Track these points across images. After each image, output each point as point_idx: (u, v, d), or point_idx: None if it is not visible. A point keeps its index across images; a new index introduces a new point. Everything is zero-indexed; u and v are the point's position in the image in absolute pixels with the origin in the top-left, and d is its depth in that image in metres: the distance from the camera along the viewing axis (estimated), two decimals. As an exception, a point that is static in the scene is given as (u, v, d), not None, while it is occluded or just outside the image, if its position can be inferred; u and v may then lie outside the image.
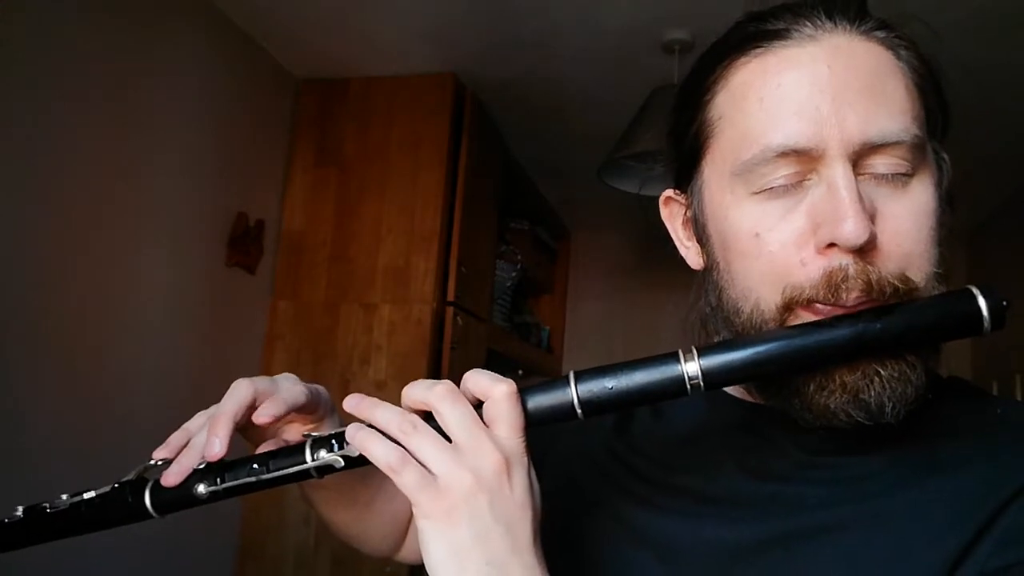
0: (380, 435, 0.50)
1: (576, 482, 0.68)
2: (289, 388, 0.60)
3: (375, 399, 0.53)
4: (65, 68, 1.58)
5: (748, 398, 0.63)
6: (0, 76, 1.45)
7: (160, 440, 0.58)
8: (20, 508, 0.57)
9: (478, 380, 0.52)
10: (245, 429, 0.60)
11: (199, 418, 0.60)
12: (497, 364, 2.97)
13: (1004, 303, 0.49)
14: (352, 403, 0.53)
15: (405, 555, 0.78)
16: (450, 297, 2.26)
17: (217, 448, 0.55)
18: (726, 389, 0.64)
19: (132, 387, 1.78)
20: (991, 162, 2.62)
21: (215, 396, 0.60)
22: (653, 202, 0.69)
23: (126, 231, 1.76)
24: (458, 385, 0.52)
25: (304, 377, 0.64)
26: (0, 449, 1.46)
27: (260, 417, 0.57)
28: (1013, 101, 2.26)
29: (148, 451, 0.58)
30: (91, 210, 1.66)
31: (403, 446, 0.49)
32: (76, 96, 1.61)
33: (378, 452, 0.49)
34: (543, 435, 0.53)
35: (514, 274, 3.00)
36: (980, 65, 2.03)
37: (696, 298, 0.63)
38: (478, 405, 0.51)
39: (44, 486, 1.53)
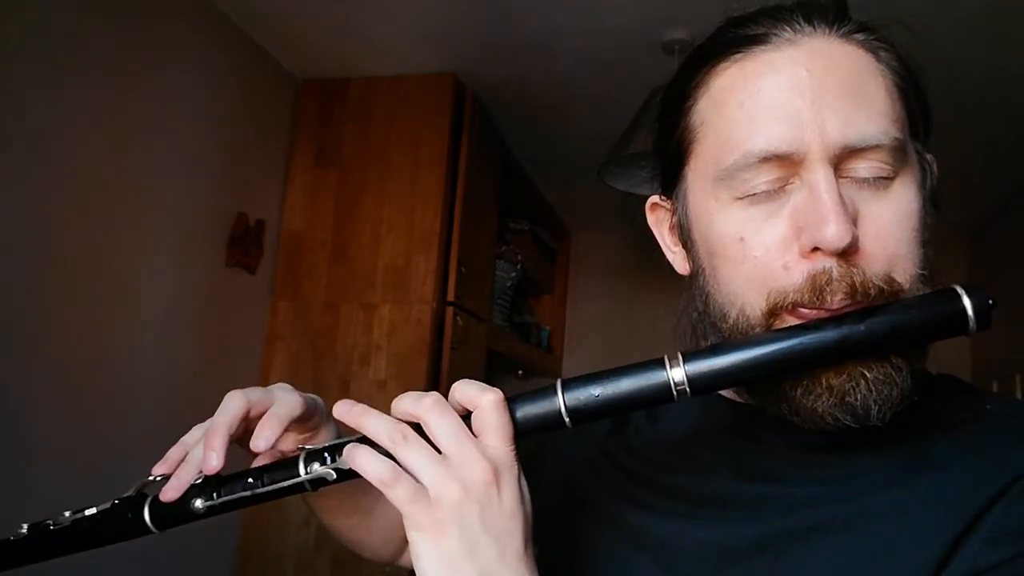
0: (371, 449, 0.50)
1: (572, 485, 0.68)
2: (284, 399, 0.59)
3: (365, 406, 0.52)
4: (65, 68, 1.58)
5: (740, 399, 0.63)
6: None
7: (159, 440, 0.59)
8: (25, 526, 0.58)
9: (465, 390, 0.51)
10: (242, 440, 0.60)
11: (196, 432, 0.60)
12: (497, 364, 2.98)
13: (990, 302, 0.49)
14: (342, 410, 0.53)
15: (407, 560, 0.78)
16: (450, 297, 2.26)
17: (214, 462, 0.55)
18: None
19: (132, 387, 1.78)
20: (991, 161, 2.62)
21: (215, 397, 0.60)
22: (641, 208, 0.69)
23: (126, 231, 1.76)
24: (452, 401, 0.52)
25: (304, 377, 0.64)
26: (1, 450, 1.46)
27: (258, 443, 0.56)
28: (1014, 100, 2.26)
29: (149, 451, 0.58)
30: (91, 210, 1.66)
31: (393, 456, 0.49)
32: (75, 96, 1.61)
33: (369, 467, 0.49)
34: (541, 441, 0.53)
35: (514, 274, 3.00)
36: (980, 64, 2.02)
37: (685, 304, 0.63)
38: (467, 416, 0.51)
39: (44, 487, 1.53)
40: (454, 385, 0.52)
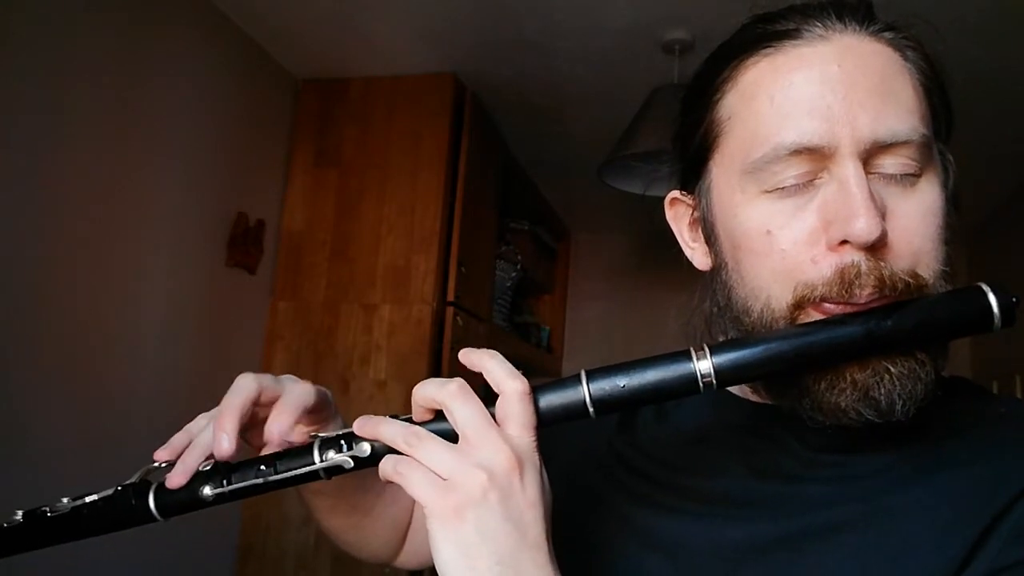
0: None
1: (581, 484, 0.67)
2: (295, 390, 0.59)
3: (380, 417, 0.53)
4: (65, 69, 1.58)
5: (753, 398, 0.63)
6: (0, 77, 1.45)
7: (160, 440, 0.57)
8: (20, 512, 0.56)
9: (495, 369, 0.51)
10: (247, 431, 0.59)
11: (201, 419, 0.58)
12: (497, 364, 2.96)
13: (1015, 300, 0.50)
14: (358, 424, 0.53)
15: (404, 560, 0.78)
16: (450, 297, 2.26)
17: (226, 445, 0.54)
18: (730, 389, 0.64)
19: (133, 387, 1.78)
20: (992, 162, 2.62)
21: (215, 396, 0.59)
22: (657, 203, 0.69)
23: (126, 232, 1.75)
24: (472, 368, 0.52)
25: (304, 377, 0.63)
26: (1, 451, 1.46)
27: (272, 433, 0.55)
28: (1013, 101, 2.26)
29: (149, 451, 0.57)
30: (91, 211, 1.65)
31: (411, 457, 0.50)
32: (76, 97, 1.60)
33: (385, 464, 0.50)
34: (547, 439, 0.52)
35: (514, 274, 3.00)
36: (980, 65, 2.03)
37: (700, 300, 0.63)
38: (489, 401, 0.51)
39: (46, 487, 1.53)
40: (484, 354, 0.52)
